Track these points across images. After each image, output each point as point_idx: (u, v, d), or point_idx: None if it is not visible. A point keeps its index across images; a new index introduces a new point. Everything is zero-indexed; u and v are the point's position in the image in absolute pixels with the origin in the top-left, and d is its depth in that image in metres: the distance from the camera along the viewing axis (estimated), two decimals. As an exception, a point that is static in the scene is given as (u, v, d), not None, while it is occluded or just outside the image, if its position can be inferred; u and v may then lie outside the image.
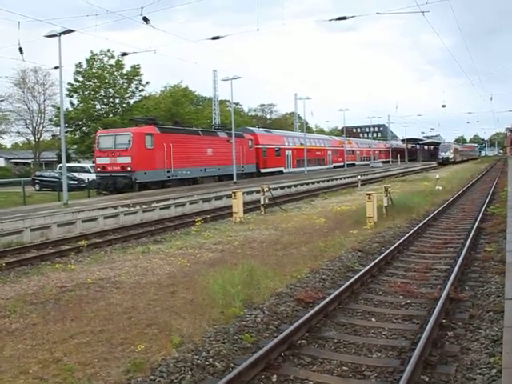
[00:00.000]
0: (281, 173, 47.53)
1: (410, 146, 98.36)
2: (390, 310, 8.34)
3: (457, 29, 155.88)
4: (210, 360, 6.15)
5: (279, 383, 5.84)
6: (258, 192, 25.43)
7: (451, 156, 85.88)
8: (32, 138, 57.77)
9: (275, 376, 5.97)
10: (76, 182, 36.23)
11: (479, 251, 12.39)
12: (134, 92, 53.83)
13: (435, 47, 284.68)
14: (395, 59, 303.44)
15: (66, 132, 46.84)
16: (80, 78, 50.74)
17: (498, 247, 12.12)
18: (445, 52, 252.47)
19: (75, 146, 54.86)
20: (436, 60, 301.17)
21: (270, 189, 22.99)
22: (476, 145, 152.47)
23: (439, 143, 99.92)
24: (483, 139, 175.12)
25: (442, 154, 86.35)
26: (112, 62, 51.33)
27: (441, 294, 8.43)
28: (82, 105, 50.79)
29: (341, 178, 44.34)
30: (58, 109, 40.23)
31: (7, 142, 74.31)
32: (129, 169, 28.73)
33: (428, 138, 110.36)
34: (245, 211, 20.52)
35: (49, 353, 6.47)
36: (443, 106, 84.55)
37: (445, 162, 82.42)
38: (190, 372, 5.81)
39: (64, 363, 6.13)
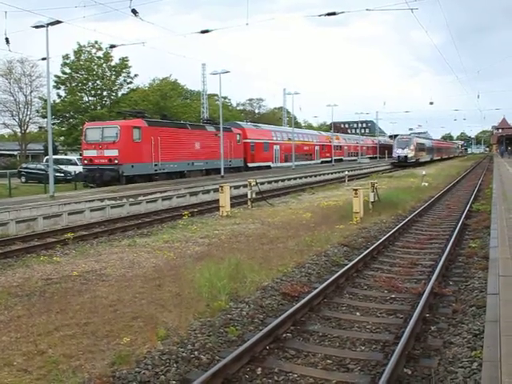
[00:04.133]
0: (268, 167, 47.58)
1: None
2: (375, 305, 8.41)
3: (446, 26, 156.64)
4: (196, 353, 6.18)
5: (264, 376, 5.88)
6: (245, 186, 25.46)
7: (411, 154, 62.59)
8: (18, 130, 57.17)
9: (260, 369, 6.02)
10: (62, 175, 36.01)
11: (463, 247, 12.53)
12: (121, 84, 53.55)
13: (425, 44, 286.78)
14: (385, 55, 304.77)
15: (53, 124, 46.44)
16: (67, 70, 50.33)
17: (482, 243, 12.27)
18: (434, 49, 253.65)
19: (62, 139, 54.49)
20: (425, 57, 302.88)
21: (257, 183, 23.01)
22: (459, 142, 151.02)
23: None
24: (470, 137, 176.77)
25: (398, 152, 62.97)
26: (100, 53, 51.03)
27: (425, 288, 8.53)
28: (69, 97, 50.42)
29: (328, 174, 44.50)
30: (45, 100, 39.92)
31: (-7, 133, 73.50)
32: (116, 162, 28.57)
33: (415, 134, 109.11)
34: (232, 205, 20.53)
35: (33, 345, 6.45)
36: (431, 104, 78.85)
37: (402, 163, 60.51)
38: (175, 364, 5.84)
39: (49, 355, 6.11)
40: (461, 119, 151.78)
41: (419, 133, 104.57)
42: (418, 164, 62.56)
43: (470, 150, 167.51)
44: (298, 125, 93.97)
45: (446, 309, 7.98)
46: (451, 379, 5.49)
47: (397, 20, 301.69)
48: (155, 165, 31.20)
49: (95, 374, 5.55)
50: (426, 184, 30.13)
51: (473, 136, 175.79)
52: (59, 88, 50.62)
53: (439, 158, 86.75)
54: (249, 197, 22.10)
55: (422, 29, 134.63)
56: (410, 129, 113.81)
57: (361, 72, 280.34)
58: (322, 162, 62.29)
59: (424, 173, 34.32)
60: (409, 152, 62.51)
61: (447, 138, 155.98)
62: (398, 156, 62.96)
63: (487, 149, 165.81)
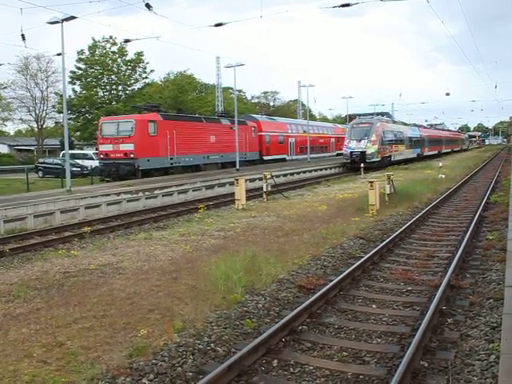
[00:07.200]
0: (284, 160, 47.44)
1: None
2: (391, 297, 8.38)
3: (463, 15, 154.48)
4: (212, 345, 6.21)
5: (280, 368, 5.90)
6: (260, 179, 25.44)
7: (372, 150, 39.82)
8: (35, 125, 57.92)
9: (276, 361, 6.04)
10: (79, 169, 36.31)
11: (481, 239, 12.41)
12: (136, 79, 53.75)
13: (442, 33, 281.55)
14: (401, 46, 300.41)
15: (69, 119, 46.86)
16: (82, 66, 50.63)
17: (499, 235, 12.14)
18: (451, 39, 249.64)
19: (78, 133, 54.97)
20: (442, 47, 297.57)
21: (272, 176, 22.99)
22: (476, 133, 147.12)
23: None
24: (487, 128, 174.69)
25: (352, 146, 40.37)
26: (114, 48, 51.23)
27: (442, 281, 8.47)
28: (84, 92, 50.76)
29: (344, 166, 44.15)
30: (61, 96, 40.22)
31: (10, 129, 74.64)
32: (132, 156, 28.74)
33: (431, 126, 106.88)
34: (247, 198, 20.53)
35: (52, 337, 6.53)
36: (447, 94, 77.29)
37: (357, 165, 37.15)
38: (191, 356, 5.88)
39: (67, 347, 6.19)
40: (478, 110, 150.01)
41: (435, 124, 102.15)
42: (389, 164, 41.38)
43: (487, 141, 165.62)
44: (312, 117, 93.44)
45: (463, 301, 7.92)
46: (468, 372, 5.46)
47: (413, 10, 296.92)
48: (171, 158, 31.30)
49: (113, 366, 5.61)
50: (443, 176, 29.83)
51: (490, 127, 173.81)
52: (75, 83, 50.98)
53: (435, 152, 65.01)
54: (264, 190, 22.09)
55: (438, 19, 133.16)
56: (426, 120, 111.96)
57: (377, 63, 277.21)
58: (337, 155, 61.86)
59: (441, 164, 34.03)
60: (368, 146, 39.86)
61: (464, 129, 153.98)
62: (351, 153, 40.26)
63: (505, 140, 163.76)
